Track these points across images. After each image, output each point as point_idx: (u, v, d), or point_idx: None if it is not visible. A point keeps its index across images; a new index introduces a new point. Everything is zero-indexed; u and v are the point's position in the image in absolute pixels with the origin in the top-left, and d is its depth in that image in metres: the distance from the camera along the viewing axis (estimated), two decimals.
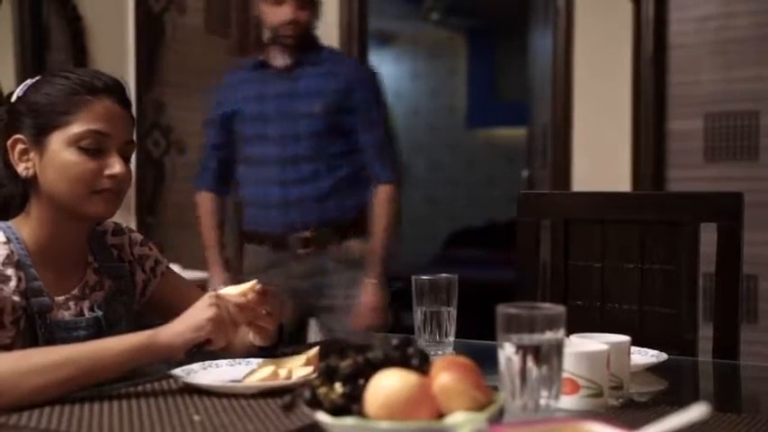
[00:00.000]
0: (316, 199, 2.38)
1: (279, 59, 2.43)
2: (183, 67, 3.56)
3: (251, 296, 1.27)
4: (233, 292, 1.27)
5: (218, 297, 1.23)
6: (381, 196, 2.41)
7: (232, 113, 2.47)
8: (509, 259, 4.20)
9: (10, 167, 1.31)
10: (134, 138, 1.35)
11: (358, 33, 3.66)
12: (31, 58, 2.99)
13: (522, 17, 4.40)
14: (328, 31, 3.65)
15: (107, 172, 1.28)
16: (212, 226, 2.54)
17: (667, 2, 3.06)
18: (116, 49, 3.29)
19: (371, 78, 2.50)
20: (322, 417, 0.86)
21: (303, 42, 2.41)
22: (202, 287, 1.52)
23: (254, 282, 1.29)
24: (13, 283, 1.23)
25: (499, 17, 6.78)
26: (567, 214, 1.73)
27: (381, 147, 2.42)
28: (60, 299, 1.31)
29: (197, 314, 1.20)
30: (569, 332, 1.02)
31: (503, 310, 0.93)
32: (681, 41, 3.06)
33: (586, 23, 3.18)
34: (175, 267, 1.56)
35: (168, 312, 1.41)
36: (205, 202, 2.56)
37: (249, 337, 1.37)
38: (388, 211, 2.41)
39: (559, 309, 0.94)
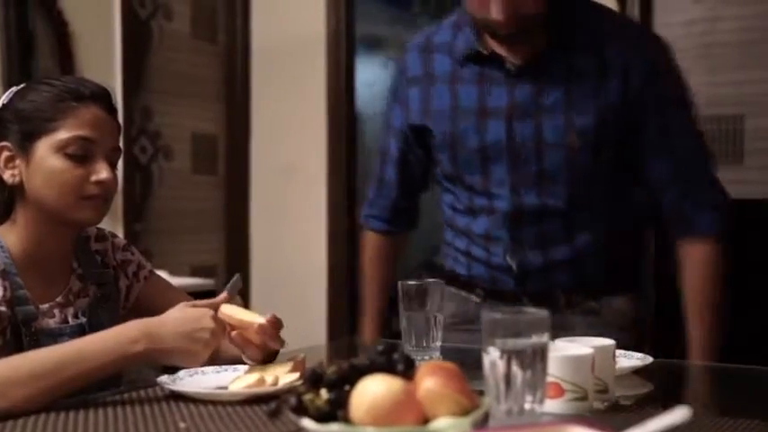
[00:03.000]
0: (567, 262, 1.61)
1: (505, 54, 1.55)
2: (171, 73, 3.55)
3: (257, 326, 1.26)
4: (242, 315, 1.26)
5: (216, 322, 1.22)
6: (697, 257, 1.57)
7: (424, 129, 1.66)
8: None
9: None
10: (120, 144, 1.35)
11: (345, 38, 3.66)
12: (18, 65, 2.98)
13: None
14: (315, 37, 3.67)
15: (94, 178, 1.28)
16: (378, 285, 1.81)
17: (652, 6, 3.08)
18: (103, 55, 3.28)
19: (660, 55, 1.58)
20: (307, 423, 0.86)
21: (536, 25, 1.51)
22: (190, 293, 1.51)
23: (270, 316, 1.27)
24: None
25: None
26: None
27: (689, 176, 1.58)
28: (45, 306, 1.30)
29: (193, 338, 1.20)
30: None
31: (487, 315, 0.94)
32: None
33: None
34: (163, 274, 1.56)
35: (153, 315, 1.41)
36: (374, 243, 1.83)
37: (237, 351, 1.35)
38: (709, 281, 1.57)
39: (543, 313, 0.94)
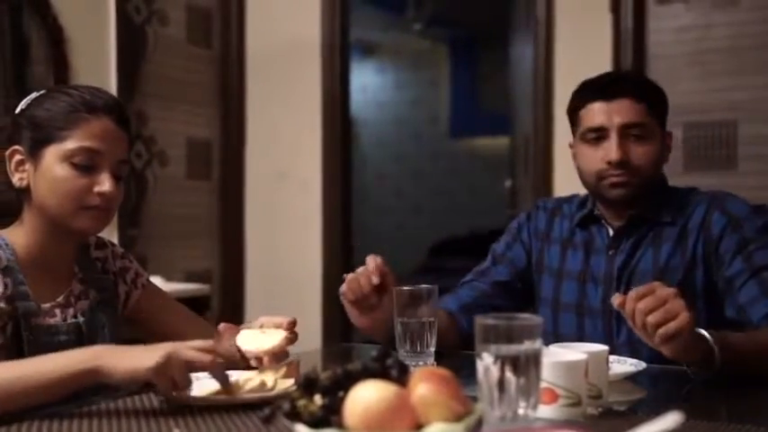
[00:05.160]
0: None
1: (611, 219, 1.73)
2: (166, 79, 3.55)
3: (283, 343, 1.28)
4: (265, 342, 1.27)
5: (172, 353, 1.15)
6: None
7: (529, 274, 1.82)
8: None
9: (8, 176, 1.35)
10: (129, 157, 1.38)
11: (340, 44, 3.67)
12: (12, 71, 2.98)
13: (504, 27, 4.43)
14: (310, 42, 3.68)
15: (96, 189, 1.31)
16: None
17: (646, 13, 3.09)
18: (98, 60, 3.28)
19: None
20: (301, 429, 0.86)
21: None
22: (185, 299, 1.52)
23: (287, 324, 1.31)
24: None
25: (481, 27, 6.82)
26: None
27: None
28: (46, 306, 1.34)
29: (142, 358, 1.14)
30: None
31: (481, 320, 0.94)
32: (659, 52, 3.09)
33: (566, 34, 3.21)
34: (158, 279, 1.58)
35: (149, 323, 1.49)
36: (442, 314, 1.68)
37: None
38: None
39: (537, 319, 0.95)
